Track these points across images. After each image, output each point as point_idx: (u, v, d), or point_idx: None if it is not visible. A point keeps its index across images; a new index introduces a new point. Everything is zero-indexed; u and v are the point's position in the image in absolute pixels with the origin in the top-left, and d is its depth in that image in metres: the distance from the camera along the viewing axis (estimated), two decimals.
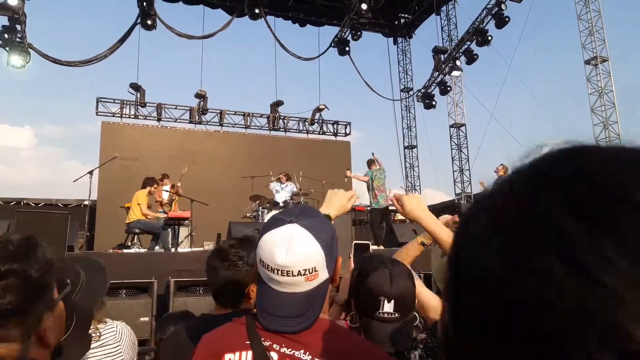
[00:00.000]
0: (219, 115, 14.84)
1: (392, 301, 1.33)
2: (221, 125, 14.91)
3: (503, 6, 13.20)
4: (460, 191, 17.19)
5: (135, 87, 13.57)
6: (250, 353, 0.98)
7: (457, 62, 14.94)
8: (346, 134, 16.73)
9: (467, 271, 0.32)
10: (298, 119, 16.09)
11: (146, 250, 7.77)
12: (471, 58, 14.48)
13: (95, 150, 12.50)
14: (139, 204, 7.63)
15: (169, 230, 7.93)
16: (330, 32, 15.44)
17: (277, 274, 0.98)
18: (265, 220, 1.49)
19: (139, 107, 13.90)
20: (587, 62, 13.90)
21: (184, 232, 8.85)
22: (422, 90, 16.55)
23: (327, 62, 20.50)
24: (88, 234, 10.19)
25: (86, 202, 9.00)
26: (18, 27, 10.17)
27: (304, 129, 16.21)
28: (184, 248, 8.35)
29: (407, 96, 18.71)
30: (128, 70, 23.04)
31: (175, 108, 14.57)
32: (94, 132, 13.16)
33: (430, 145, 25.42)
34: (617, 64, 15.68)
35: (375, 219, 9.38)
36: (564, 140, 0.34)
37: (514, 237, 0.29)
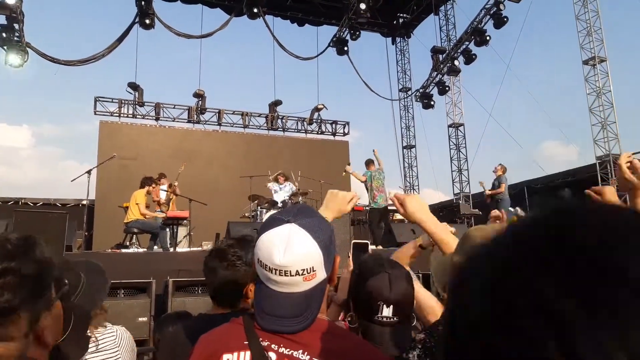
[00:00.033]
0: (217, 114, 14.82)
1: (391, 306, 1.33)
2: (219, 124, 14.90)
3: (501, 6, 13.21)
4: (459, 191, 17.21)
5: (134, 86, 13.55)
6: (248, 353, 0.98)
7: (456, 62, 14.95)
8: (345, 134, 16.74)
9: (462, 331, 0.32)
10: (296, 118, 16.09)
11: (145, 250, 7.76)
12: (469, 58, 14.49)
13: (94, 149, 12.49)
14: (137, 204, 7.62)
15: (168, 230, 7.92)
16: (328, 31, 15.47)
17: (275, 273, 0.98)
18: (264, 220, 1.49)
19: (137, 106, 13.88)
20: (585, 63, 13.92)
21: (182, 231, 8.83)
22: (421, 90, 16.56)
23: (325, 61, 20.56)
24: (86, 233, 10.18)
25: (84, 202, 8.99)
26: (16, 25, 10.13)
27: (303, 128, 16.21)
28: (182, 248, 8.34)
29: (405, 96, 18.73)
30: (126, 69, 23.04)
31: (174, 107, 14.55)
32: (92, 132, 13.13)
33: (428, 145, 25.49)
34: (615, 65, 15.73)
35: (374, 219, 9.39)
36: (542, 201, 0.34)
37: (509, 318, 0.29)
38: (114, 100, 13.69)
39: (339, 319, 1.67)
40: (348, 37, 13.90)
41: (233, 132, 15.12)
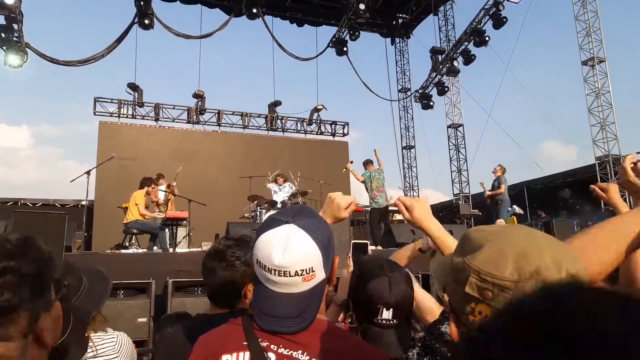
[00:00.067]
0: (216, 115, 14.82)
1: (391, 309, 1.33)
2: (219, 125, 14.90)
3: (501, 7, 13.22)
4: (459, 191, 17.22)
5: (133, 87, 13.54)
6: (247, 354, 0.98)
7: (455, 63, 14.95)
8: (344, 134, 16.74)
9: None
10: (296, 119, 16.09)
11: (144, 250, 7.75)
12: (469, 58, 14.49)
13: (93, 150, 12.48)
14: (136, 204, 7.62)
15: (167, 230, 7.91)
16: (328, 32, 15.48)
17: (274, 274, 0.98)
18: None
19: (136, 107, 13.87)
20: (585, 63, 13.94)
21: (182, 232, 8.84)
22: (420, 91, 16.57)
23: (325, 62, 20.56)
24: (86, 234, 10.18)
25: (84, 202, 8.99)
26: (15, 26, 10.13)
27: (302, 129, 16.21)
28: (182, 248, 8.34)
29: (404, 96, 18.73)
30: (126, 70, 23.07)
31: (173, 108, 14.55)
32: (91, 132, 13.12)
33: (428, 146, 25.58)
34: (615, 65, 15.74)
35: (374, 219, 9.39)
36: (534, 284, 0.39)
37: None
38: (113, 101, 13.69)
39: (339, 319, 1.67)
40: (347, 38, 13.90)
41: (232, 132, 15.12)
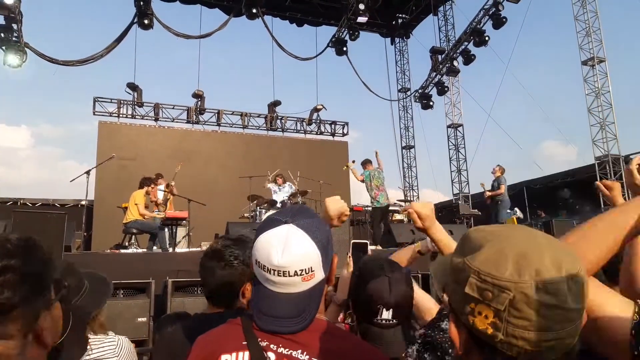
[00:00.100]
0: (216, 115, 14.81)
1: (391, 309, 1.33)
2: (219, 125, 14.90)
3: (500, 7, 13.21)
4: (458, 191, 17.23)
5: (133, 86, 13.53)
6: (247, 353, 0.98)
7: (455, 63, 14.95)
8: (344, 134, 16.74)
9: None
10: (296, 119, 16.09)
11: (144, 250, 7.75)
12: (468, 58, 14.49)
13: (93, 150, 12.47)
14: (136, 204, 7.62)
15: (167, 230, 7.91)
16: (327, 32, 15.49)
17: (273, 274, 0.98)
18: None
19: (136, 106, 13.86)
20: (584, 63, 13.94)
21: (181, 232, 8.84)
22: (420, 91, 16.57)
23: (324, 62, 20.54)
24: (85, 234, 10.18)
25: (83, 202, 8.99)
26: (14, 26, 10.12)
27: (302, 129, 16.21)
28: (181, 248, 8.34)
29: (404, 96, 18.73)
30: (125, 69, 23.06)
31: (173, 108, 14.54)
32: (91, 132, 13.10)
33: (428, 146, 25.60)
34: (614, 65, 15.74)
35: (376, 218, 9.41)
36: None
37: None
38: (112, 101, 13.68)
39: (339, 319, 1.67)
40: (347, 38, 13.90)
41: (232, 132, 15.11)
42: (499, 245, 0.69)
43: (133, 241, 8.30)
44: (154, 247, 7.66)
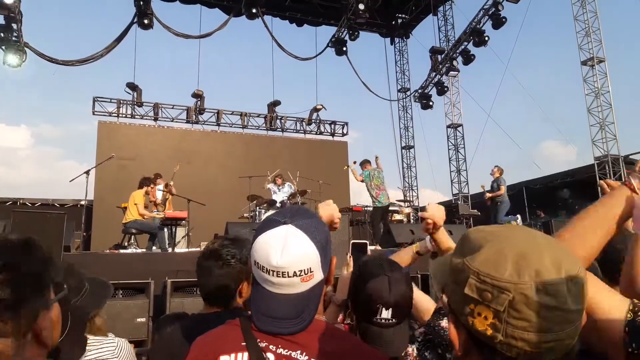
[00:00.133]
0: (216, 115, 14.81)
1: (390, 308, 1.33)
2: (218, 125, 14.89)
3: (500, 7, 13.22)
4: (458, 192, 17.22)
5: (132, 86, 13.53)
6: (246, 354, 0.98)
7: (454, 63, 14.96)
8: (343, 134, 16.74)
9: None
10: (295, 119, 16.08)
11: (143, 250, 7.74)
12: (468, 58, 14.50)
13: (92, 150, 12.47)
14: (135, 204, 7.61)
15: (166, 230, 7.91)
16: (327, 32, 15.48)
17: (272, 275, 0.97)
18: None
19: (135, 106, 13.85)
20: (584, 63, 13.94)
21: (181, 232, 8.83)
22: (420, 91, 16.57)
23: (324, 62, 20.53)
24: (85, 234, 10.17)
25: (83, 202, 8.98)
26: (14, 25, 10.12)
27: (301, 129, 16.21)
28: (181, 248, 8.33)
29: (404, 96, 18.73)
30: (125, 69, 23.08)
31: (172, 108, 14.53)
32: (90, 132, 13.09)
33: (427, 146, 25.61)
34: (614, 65, 15.75)
35: (376, 217, 9.41)
36: None
37: None
38: (112, 101, 13.67)
39: (338, 320, 1.67)
40: (347, 38, 13.90)
41: (232, 132, 15.11)
42: (499, 245, 0.68)
43: (132, 241, 8.30)
44: (153, 247, 7.65)
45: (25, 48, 10.60)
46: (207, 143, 14.13)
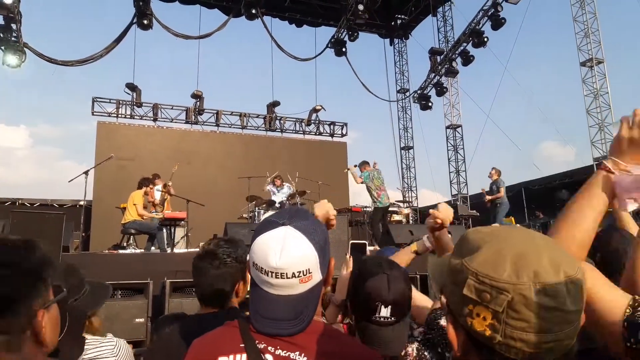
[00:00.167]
0: (215, 115, 14.81)
1: (389, 306, 1.33)
2: (217, 125, 14.89)
3: (499, 8, 13.23)
4: (457, 192, 17.23)
5: (131, 87, 13.53)
6: (244, 356, 0.97)
7: (454, 64, 14.97)
8: (342, 135, 16.75)
9: None
10: (294, 119, 16.09)
11: (142, 251, 7.74)
12: (467, 59, 14.51)
13: (91, 150, 12.47)
14: (134, 205, 7.60)
15: (165, 230, 7.90)
16: (327, 32, 15.50)
17: (271, 276, 0.97)
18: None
19: (135, 107, 13.85)
20: (583, 64, 13.96)
21: (180, 232, 8.82)
22: (419, 92, 16.58)
23: (323, 62, 20.57)
24: (83, 234, 10.16)
25: (82, 203, 8.98)
26: (13, 26, 10.12)
27: (301, 129, 16.21)
28: (180, 249, 8.33)
29: (403, 97, 18.75)
30: (124, 70, 23.08)
31: (172, 108, 14.54)
32: (89, 132, 13.17)
33: (426, 147, 25.59)
34: (613, 66, 15.76)
35: (376, 218, 9.40)
36: None
37: None
38: (111, 101, 13.67)
39: (337, 320, 1.67)
40: (346, 38, 13.91)
41: (231, 133, 15.11)
42: (497, 246, 0.68)
43: (131, 241, 8.28)
44: (152, 248, 7.64)
45: (25, 48, 10.59)
46: (206, 143, 14.13)
